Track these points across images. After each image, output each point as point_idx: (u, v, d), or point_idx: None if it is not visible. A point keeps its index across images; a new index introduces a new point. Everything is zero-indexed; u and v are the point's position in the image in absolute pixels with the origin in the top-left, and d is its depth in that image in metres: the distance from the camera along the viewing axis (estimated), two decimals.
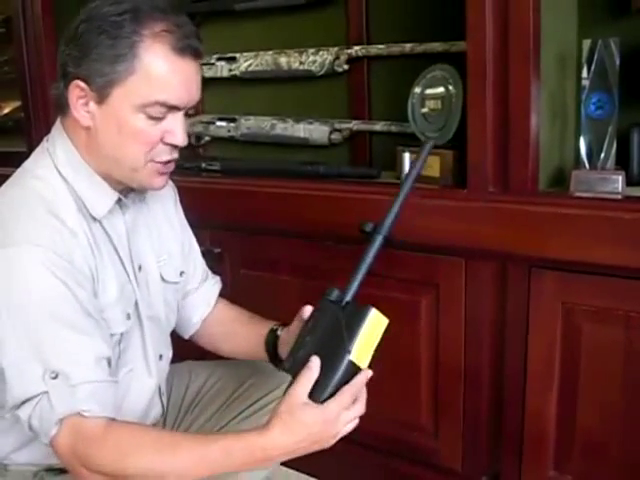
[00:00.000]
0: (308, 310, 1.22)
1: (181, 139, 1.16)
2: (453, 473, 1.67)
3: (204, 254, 1.51)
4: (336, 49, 1.99)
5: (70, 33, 1.13)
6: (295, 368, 1.10)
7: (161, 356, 1.34)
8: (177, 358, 1.44)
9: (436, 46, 1.76)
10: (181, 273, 1.40)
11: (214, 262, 1.55)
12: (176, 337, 1.44)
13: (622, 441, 1.42)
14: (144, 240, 1.30)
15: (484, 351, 1.56)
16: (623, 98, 1.42)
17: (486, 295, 1.53)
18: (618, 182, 1.41)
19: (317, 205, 1.73)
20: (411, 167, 1.19)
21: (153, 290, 1.31)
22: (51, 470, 1.23)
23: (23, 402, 1.05)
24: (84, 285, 1.11)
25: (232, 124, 2.26)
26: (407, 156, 1.63)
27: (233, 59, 2.23)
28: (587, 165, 1.45)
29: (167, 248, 1.36)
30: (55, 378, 1.04)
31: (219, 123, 2.29)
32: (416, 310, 1.64)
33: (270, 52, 2.13)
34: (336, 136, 2.02)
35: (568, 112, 1.54)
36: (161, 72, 1.10)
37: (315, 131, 2.04)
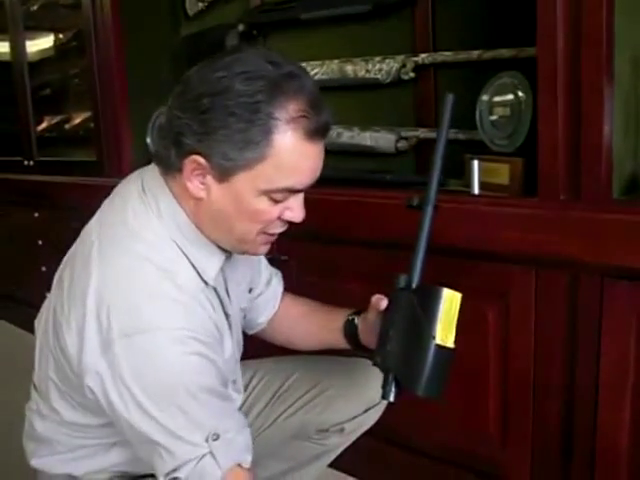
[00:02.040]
0: (383, 301, 1.22)
1: (300, 217, 1.14)
2: None
3: (271, 261, 1.52)
4: (402, 57, 1.98)
5: (189, 101, 1.04)
6: (386, 363, 1.14)
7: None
8: None
9: (504, 52, 1.73)
10: (250, 290, 1.41)
11: (281, 269, 1.56)
12: None
13: None
14: (236, 280, 1.31)
15: (554, 362, 1.52)
16: None
17: (557, 305, 1.50)
18: None
19: (384, 213, 1.72)
20: (439, 131, 1.17)
21: (234, 319, 1.32)
22: (123, 477, 1.26)
23: (181, 465, 1.07)
24: (218, 351, 1.13)
25: None
26: (476, 164, 1.60)
27: None
28: None
29: (248, 279, 1.39)
30: (217, 439, 1.06)
31: None
32: (485, 319, 1.62)
33: (336, 61, 2.14)
34: (402, 144, 2.01)
35: None
36: (291, 160, 1.05)
37: (381, 139, 2.03)
